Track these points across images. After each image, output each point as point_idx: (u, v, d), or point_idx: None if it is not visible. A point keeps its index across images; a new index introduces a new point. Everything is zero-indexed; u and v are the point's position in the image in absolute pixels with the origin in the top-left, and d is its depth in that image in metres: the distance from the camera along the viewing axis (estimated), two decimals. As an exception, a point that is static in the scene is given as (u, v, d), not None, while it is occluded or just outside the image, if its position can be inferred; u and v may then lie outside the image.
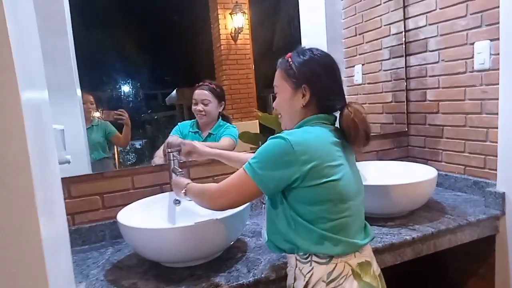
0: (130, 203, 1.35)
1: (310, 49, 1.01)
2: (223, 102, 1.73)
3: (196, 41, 2.12)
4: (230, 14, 2.19)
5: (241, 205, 1.03)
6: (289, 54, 1.02)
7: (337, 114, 1.02)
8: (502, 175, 1.39)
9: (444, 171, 1.71)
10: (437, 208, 1.46)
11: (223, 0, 2.22)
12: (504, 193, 1.38)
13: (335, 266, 0.91)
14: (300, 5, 2.25)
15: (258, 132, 2.25)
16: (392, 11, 1.91)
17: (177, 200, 1.37)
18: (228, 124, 1.76)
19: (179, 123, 1.74)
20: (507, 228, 1.39)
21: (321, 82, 0.97)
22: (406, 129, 1.93)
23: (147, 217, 1.26)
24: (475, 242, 1.39)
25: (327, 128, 0.97)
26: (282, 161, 0.88)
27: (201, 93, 1.67)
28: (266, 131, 2.26)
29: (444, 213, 1.41)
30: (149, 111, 1.71)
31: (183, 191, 1.11)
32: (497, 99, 1.41)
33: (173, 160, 1.39)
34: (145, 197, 1.37)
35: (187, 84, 1.94)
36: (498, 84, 1.40)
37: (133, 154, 1.65)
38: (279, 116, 1.07)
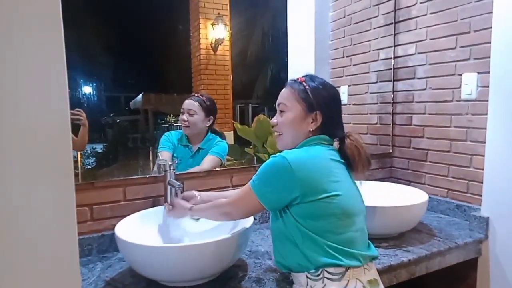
0: (120, 216, 1.29)
1: (318, 77, 1.07)
2: (211, 116, 1.67)
3: (173, 48, 2.08)
4: (212, 24, 2.18)
5: (251, 216, 1.09)
6: (302, 78, 1.07)
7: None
8: (487, 200, 1.47)
9: (427, 193, 1.77)
10: (425, 230, 1.51)
11: (205, 10, 2.20)
12: (488, 217, 1.45)
13: (348, 283, 0.92)
14: (289, 24, 2.29)
15: (233, 143, 2.24)
16: (382, 37, 1.99)
17: (172, 214, 1.31)
18: (219, 139, 1.71)
19: (166, 133, 1.68)
20: (490, 252, 1.46)
21: (331, 111, 1.04)
22: (391, 151, 1.99)
23: (144, 232, 1.20)
24: (456, 264, 1.44)
25: (326, 147, 1.02)
26: (281, 179, 0.93)
27: (189, 103, 1.62)
28: (242, 143, 2.26)
29: (433, 235, 1.46)
30: (111, 114, 1.64)
31: (188, 214, 1.15)
32: (483, 128, 1.50)
33: (170, 171, 1.34)
34: (136, 210, 1.30)
35: (156, 89, 1.90)
36: (484, 114, 1.49)
37: (94, 158, 1.57)
38: (278, 133, 1.09)
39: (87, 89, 1.53)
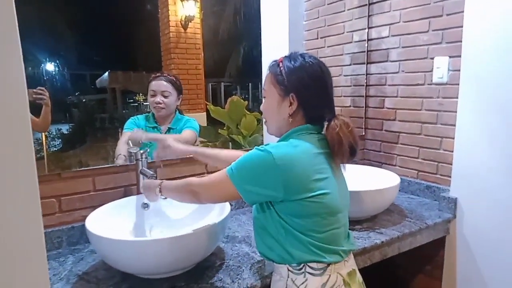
0: (90, 207, 1.24)
1: (303, 55, 0.98)
2: (181, 95, 1.66)
3: (141, 24, 2.00)
4: (181, 0, 2.10)
5: (222, 202, 1.09)
6: (281, 58, 0.99)
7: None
8: (456, 182, 1.52)
9: (398, 174, 1.81)
10: (396, 211, 1.55)
11: (174, -16, 2.11)
12: (456, 198, 1.51)
13: (329, 277, 0.91)
14: (262, 2, 2.23)
15: (206, 124, 2.20)
16: (356, 19, 1.97)
17: (145, 204, 1.28)
18: (187, 117, 1.70)
19: (133, 117, 1.64)
20: (457, 231, 1.52)
21: (309, 92, 0.95)
22: (363, 133, 2.02)
23: (117, 224, 1.16)
24: (426, 243, 1.50)
25: (314, 138, 0.95)
26: (264, 176, 0.87)
27: (160, 84, 1.57)
28: (215, 124, 2.22)
29: (404, 216, 1.50)
30: (76, 93, 1.57)
31: (158, 189, 1.07)
32: (453, 111, 1.53)
33: (142, 160, 1.29)
34: (107, 200, 1.26)
35: (123, 67, 1.84)
36: (454, 97, 1.53)
37: (59, 140, 1.51)
38: (264, 120, 1.05)
39: (50, 67, 1.44)
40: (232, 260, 1.15)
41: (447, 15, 1.56)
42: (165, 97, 1.56)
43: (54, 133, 1.46)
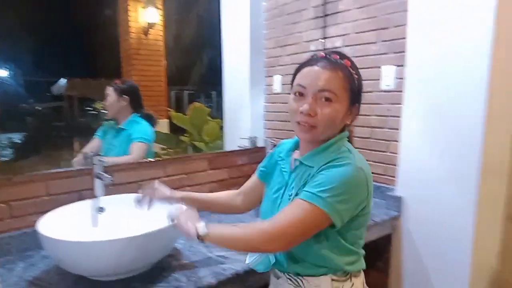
0: (43, 212, 1.22)
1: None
2: (125, 96, 1.68)
3: (100, 31, 2.00)
4: (143, 7, 2.12)
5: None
6: (348, 62, 0.88)
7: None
8: (401, 181, 1.63)
9: (351, 177, 1.91)
10: (348, 211, 1.64)
11: (134, -9, 2.13)
12: (401, 197, 1.61)
13: (363, 274, 0.97)
14: (223, 11, 2.28)
15: (168, 131, 2.21)
16: (312, 29, 2.06)
17: (101, 207, 1.28)
18: (144, 122, 1.71)
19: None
20: (403, 228, 1.63)
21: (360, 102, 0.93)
22: (320, 138, 2.10)
23: (70, 227, 1.15)
24: (375, 240, 1.59)
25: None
26: (359, 194, 0.82)
27: (106, 89, 1.66)
28: (177, 131, 2.24)
29: (355, 215, 1.59)
30: (30, 101, 1.55)
31: (196, 237, 0.86)
32: (399, 116, 1.65)
33: (97, 164, 1.29)
34: (61, 205, 1.24)
35: (82, 74, 1.83)
36: (399, 103, 1.64)
37: (11, 150, 1.47)
38: (310, 126, 0.85)
39: (1, 72, 1.41)
40: (188, 260, 1.17)
41: (394, 27, 1.68)
42: (105, 99, 1.65)
43: (6, 143, 1.42)
